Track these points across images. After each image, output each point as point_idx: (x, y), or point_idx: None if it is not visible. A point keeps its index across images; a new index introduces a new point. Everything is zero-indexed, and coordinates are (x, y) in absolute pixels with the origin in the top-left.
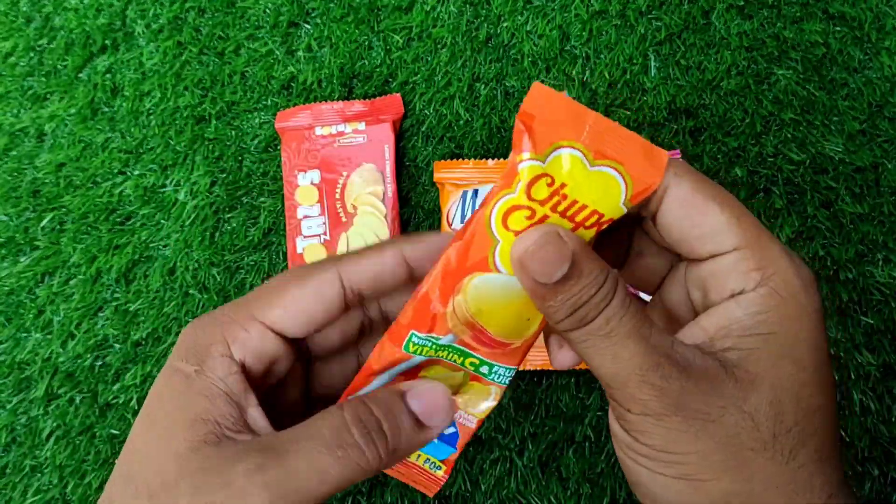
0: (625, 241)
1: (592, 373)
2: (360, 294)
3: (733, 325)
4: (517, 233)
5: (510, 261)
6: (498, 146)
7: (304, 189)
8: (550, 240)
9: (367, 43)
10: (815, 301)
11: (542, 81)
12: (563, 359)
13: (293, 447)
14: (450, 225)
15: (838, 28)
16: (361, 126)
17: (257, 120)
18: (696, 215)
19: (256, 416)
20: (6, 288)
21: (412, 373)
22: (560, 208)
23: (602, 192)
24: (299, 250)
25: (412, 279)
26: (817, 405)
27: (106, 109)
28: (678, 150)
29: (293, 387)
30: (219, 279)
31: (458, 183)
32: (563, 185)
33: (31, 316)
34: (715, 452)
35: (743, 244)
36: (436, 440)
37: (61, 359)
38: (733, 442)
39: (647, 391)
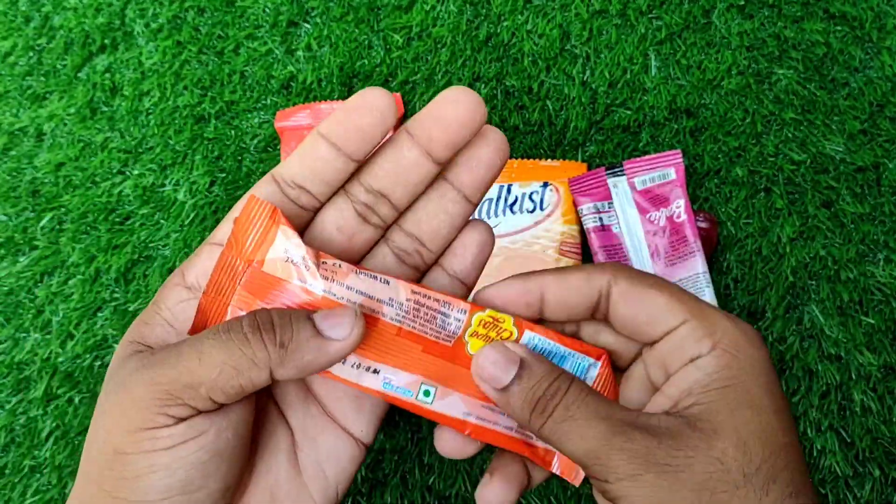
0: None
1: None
2: None
3: (694, 386)
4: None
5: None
6: None
7: None
8: (497, 349)
9: (366, 42)
10: (764, 353)
11: (543, 81)
12: (490, 495)
13: (186, 341)
14: None
15: (839, 27)
16: None
17: (257, 119)
18: (640, 305)
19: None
20: (5, 288)
21: None
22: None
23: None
24: None
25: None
26: (782, 443)
27: (105, 109)
28: (678, 151)
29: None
30: None
31: None
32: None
33: (30, 316)
34: (692, 500)
35: (689, 317)
36: None
37: (60, 359)
38: (707, 486)
39: (617, 457)
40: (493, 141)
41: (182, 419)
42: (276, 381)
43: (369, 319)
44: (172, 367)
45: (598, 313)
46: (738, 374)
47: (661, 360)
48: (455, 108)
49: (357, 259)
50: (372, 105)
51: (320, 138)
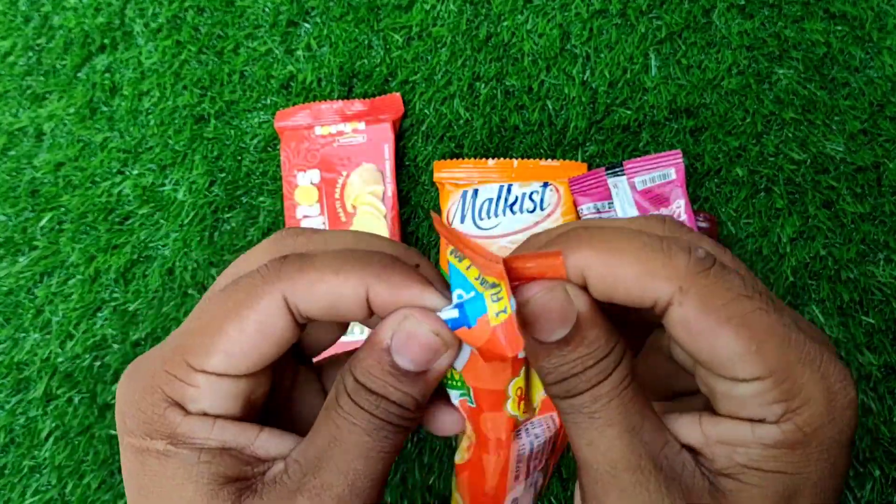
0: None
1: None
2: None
3: (739, 449)
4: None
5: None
6: (498, 146)
7: (303, 189)
8: (556, 295)
9: (366, 42)
10: (845, 433)
11: (543, 80)
12: (442, 425)
13: (313, 467)
14: (449, 225)
15: (839, 27)
16: (361, 125)
17: (256, 119)
18: (706, 342)
19: (266, 442)
20: (5, 288)
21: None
22: None
23: None
24: None
25: (369, 317)
26: None
27: (105, 109)
28: (678, 150)
29: (297, 387)
30: None
31: (458, 182)
32: None
33: (29, 316)
34: None
35: (765, 373)
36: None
37: (60, 359)
38: None
39: (615, 496)
40: None
41: None
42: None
43: None
44: (327, 494)
45: (651, 313)
46: (798, 461)
47: (713, 387)
48: None
49: None
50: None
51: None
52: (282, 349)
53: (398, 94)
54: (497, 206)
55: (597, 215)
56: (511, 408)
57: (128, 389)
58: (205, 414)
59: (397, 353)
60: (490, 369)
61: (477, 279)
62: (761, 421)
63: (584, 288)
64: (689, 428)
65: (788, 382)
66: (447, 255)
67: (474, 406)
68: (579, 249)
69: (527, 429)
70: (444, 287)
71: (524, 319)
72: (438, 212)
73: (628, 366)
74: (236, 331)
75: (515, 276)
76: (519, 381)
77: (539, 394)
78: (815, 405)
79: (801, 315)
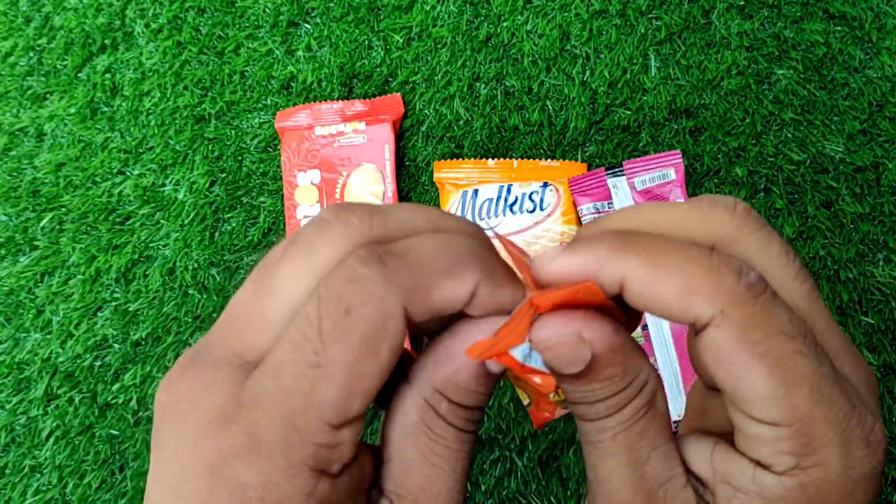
0: None
1: None
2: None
3: (739, 494)
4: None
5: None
6: (498, 146)
7: (303, 189)
8: (568, 339)
9: (366, 42)
10: (858, 500)
11: (543, 81)
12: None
13: (420, 499)
14: None
15: (839, 28)
16: (361, 126)
17: (257, 120)
18: (734, 373)
19: (367, 464)
20: (6, 288)
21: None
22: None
23: None
24: None
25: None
26: None
27: (105, 109)
28: (678, 151)
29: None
30: (218, 279)
31: (458, 183)
32: None
33: (30, 316)
34: None
35: (785, 421)
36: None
37: (61, 359)
38: None
39: None
40: None
41: None
42: None
43: None
44: None
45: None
46: None
47: (731, 416)
48: None
49: None
50: None
51: None
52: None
53: (398, 94)
54: (497, 207)
55: (597, 215)
56: (555, 398)
57: (258, 471)
58: (343, 468)
59: (495, 362)
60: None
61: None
62: (767, 468)
63: (620, 296)
64: (700, 456)
65: (807, 438)
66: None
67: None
68: (623, 257)
69: None
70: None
71: (542, 352)
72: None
73: (646, 398)
74: (375, 366)
75: (549, 304)
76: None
77: None
78: (827, 469)
79: (850, 344)
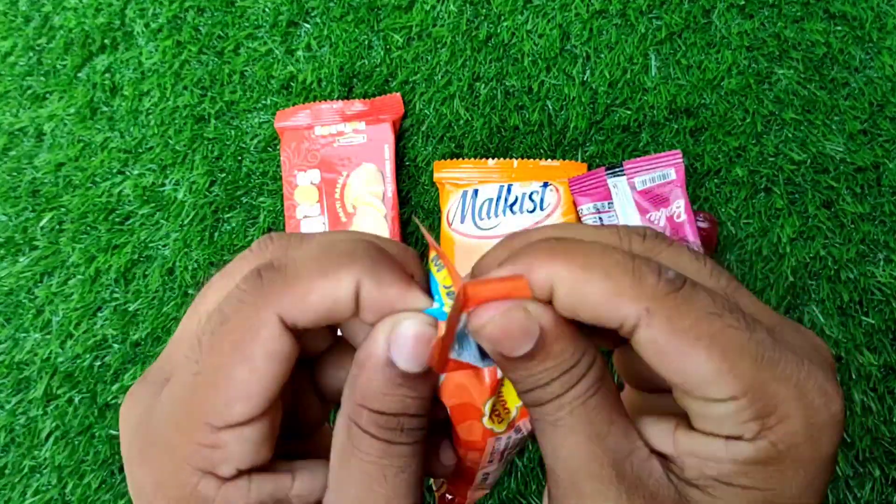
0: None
1: None
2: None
3: (710, 463)
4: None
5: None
6: (498, 146)
7: (303, 189)
8: (515, 315)
9: (366, 42)
10: (824, 449)
11: (543, 81)
12: (445, 459)
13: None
14: (449, 225)
15: (839, 27)
16: (361, 126)
17: (257, 119)
18: (675, 364)
19: (301, 486)
20: (5, 288)
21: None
22: None
23: None
24: None
25: (355, 316)
26: None
27: (105, 109)
28: (678, 151)
29: (308, 405)
30: None
31: (458, 182)
32: None
33: (29, 316)
34: None
35: (739, 393)
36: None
37: (60, 359)
38: None
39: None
40: None
41: None
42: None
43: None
44: None
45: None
46: (773, 477)
47: (688, 405)
48: None
49: None
50: None
51: None
52: (290, 369)
53: (398, 94)
54: (497, 206)
55: (597, 215)
56: (487, 423)
57: (150, 471)
58: (238, 472)
59: (403, 359)
60: (462, 388)
61: (446, 292)
62: (737, 438)
63: (550, 302)
64: (661, 436)
65: (763, 400)
66: (430, 261)
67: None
68: (550, 262)
69: (504, 436)
70: (426, 287)
71: (488, 338)
72: (436, 214)
73: (597, 373)
74: (247, 371)
75: (481, 297)
76: (494, 400)
77: (517, 403)
78: (790, 422)
79: (787, 320)
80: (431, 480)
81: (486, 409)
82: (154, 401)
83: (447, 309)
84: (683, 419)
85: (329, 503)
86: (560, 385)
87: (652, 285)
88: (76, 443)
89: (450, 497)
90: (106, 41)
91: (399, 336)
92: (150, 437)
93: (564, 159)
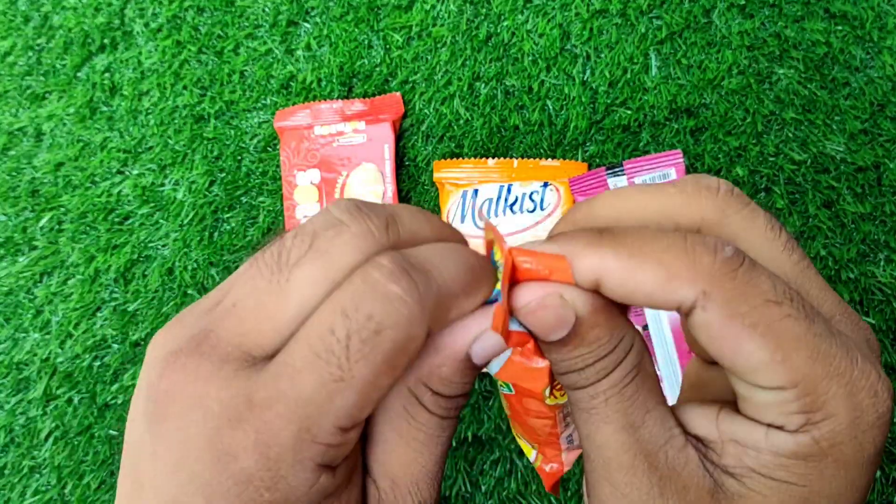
0: None
1: None
2: None
3: (750, 452)
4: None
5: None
6: (498, 145)
7: (303, 189)
8: (551, 302)
9: (366, 42)
10: (867, 450)
11: (543, 80)
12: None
13: (407, 483)
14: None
15: (840, 27)
16: (361, 125)
17: (256, 119)
18: (729, 348)
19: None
20: (4, 288)
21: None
22: None
23: None
24: None
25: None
26: None
27: (104, 109)
28: (679, 151)
29: None
30: (218, 279)
31: (458, 182)
32: None
33: (29, 316)
34: None
35: (788, 384)
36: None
37: (60, 359)
38: None
39: (607, 492)
40: None
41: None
42: None
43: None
44: None
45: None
46: (812, 475)
47: (736, 387)
48: None
49: None
50: None
51: None
52: None
53: (398, 93)
54: (497, 206)
55: None
56: (549, 401)
57: (266, 465)
58: (345, 458)
59: (482, 357)
60: (524, 373)
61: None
62: (780, 428)
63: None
64: (703, 420)
65: (812, 395)
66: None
67: (514, 393)
68: (597, 253)
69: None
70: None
71: (524, 320)
72: (436, 214)
73: (635, 359)
74: (391, 380)
75: (523, 270)
76: (551, 385)
77: None
78: (837, 421)
79: (849, 310)
80: (529, 459)
81: (545, 393)
82: (247, 386)
83: (499, 277)
84: (727, 406)
85: (375, 455)
86: (595, 372)
87: (708, 265)
88: (76, 443)
89: (549, 467)
90: (105, 41)
91: (488, 337)
92: (264, 432)
93: (564, 159)
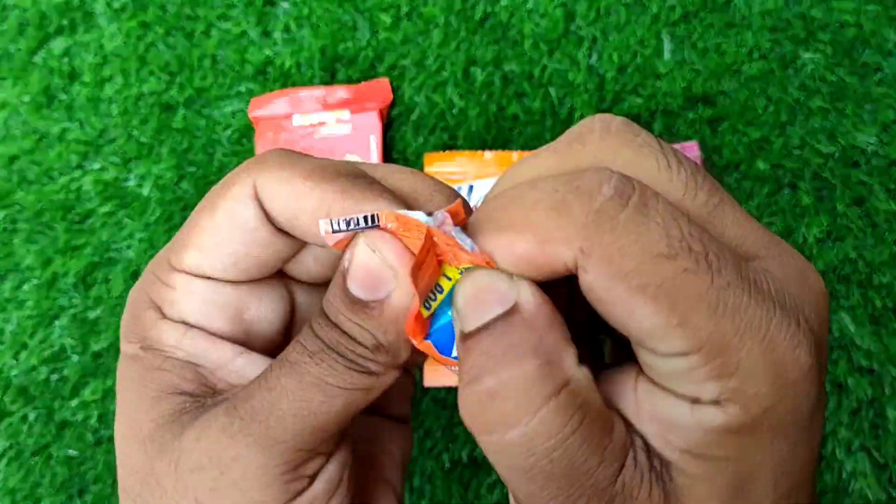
0: None
1: None
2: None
3: (678, 431)
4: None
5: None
6: (495, 136)
7: None
8: (484, 278)
9: (350, 23)
10: (802, 407)
11: (545, 66)
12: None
13: (260, 384)
14: None
15: (871, 6)
16: (345, 115)
17: (229, 108)
18: (620, 313)
19: (244, 367)
20: None
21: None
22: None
23: None
24: None
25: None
26: None
27: (63, 96)
28: (695, 142)
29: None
30: None
31: (452, 178)
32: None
33: None
34: None
35: (692, 348)
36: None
37: (13, 371)
38: None
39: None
40: None
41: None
42: None
43: None
44: (268, 416)
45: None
46: (751, 450)
47: (639, 355)
48: None
49: None
50: None
51: None
52: (256, 248)
53: (386, 79)
54: None
55: None
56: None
57: (130, 294)
58: (183, 322)
59: (349, 278)
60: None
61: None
62: (697, 400)
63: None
64: (622, 390)
65: (723, 357)
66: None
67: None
68: (486, 235)
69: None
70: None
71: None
72: None
73: (578, 397)
74: (207, 220)
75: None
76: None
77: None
78: (758, 382)
79: (779, 243)
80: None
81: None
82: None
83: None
84: (643, 374)
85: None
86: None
87: (583, 215)
88: (31, 464)
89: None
90: (64, 22)
91: (352, 255)
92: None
93: None
